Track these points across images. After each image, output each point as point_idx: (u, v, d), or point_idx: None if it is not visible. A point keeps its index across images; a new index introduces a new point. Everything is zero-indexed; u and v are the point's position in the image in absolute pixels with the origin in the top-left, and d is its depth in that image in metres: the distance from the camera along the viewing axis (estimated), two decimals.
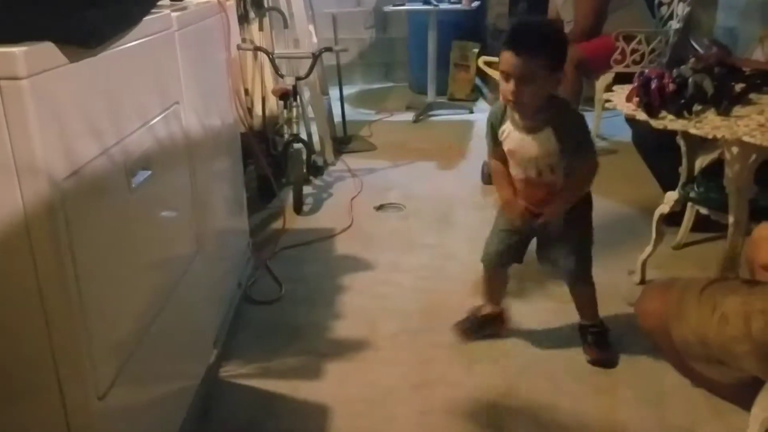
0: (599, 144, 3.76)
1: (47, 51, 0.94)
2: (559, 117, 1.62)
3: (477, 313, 1.93)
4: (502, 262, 1.88)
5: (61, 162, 0.96)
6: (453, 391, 1.72)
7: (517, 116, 1.64)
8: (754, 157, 1.69)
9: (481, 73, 3.46)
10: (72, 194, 0.98)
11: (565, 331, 1.97)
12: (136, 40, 1.22)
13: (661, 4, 3.75)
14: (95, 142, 1.07)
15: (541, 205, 1.70)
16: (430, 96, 4.47)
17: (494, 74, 3.21)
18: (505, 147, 1.69)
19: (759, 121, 1.61)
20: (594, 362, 1.79)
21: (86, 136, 1.04)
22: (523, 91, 1.55)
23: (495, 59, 3.21)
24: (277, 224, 2.71)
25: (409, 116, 4.34)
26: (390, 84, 5.47)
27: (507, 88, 1.57)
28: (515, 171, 1.71)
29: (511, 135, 1.67)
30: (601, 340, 1.84)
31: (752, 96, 1.79)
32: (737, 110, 1.69)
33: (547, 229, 1.74)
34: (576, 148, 1.64)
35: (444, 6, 4.24)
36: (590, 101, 3.86)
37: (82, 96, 1.03)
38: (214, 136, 1.84)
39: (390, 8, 4.43)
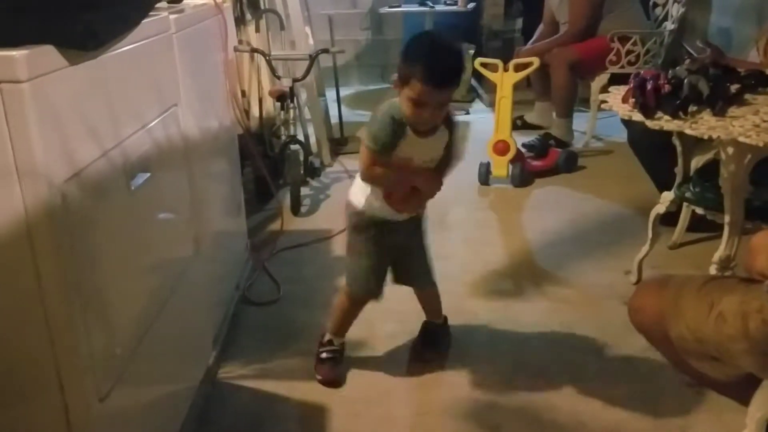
0: (594, 144, 3.78)
1: (47, 54, 0.95)
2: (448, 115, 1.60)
3: (334, 346, 1.81)
4: (376, 295, 1.75)
5: (62, 165, 0.97)
6: (450, 391, 1.73)
7: (418, 127, 1.54)
8: (749, 157, 1.70)
9: (476, 74, 3.47)
10: (72, 197, 0.98)
11: (561, 330, 1.98)
12: (134, 43, 1.22)
13: (655, 5, 3.77)
14: (95, 145, 1.07)
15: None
16: None
17: (489, 76, 3.23)
18: (401, 154, 1.55)
19: (754, 122, 1.62)
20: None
21: (86, 139, 1.05)
22: (440, 113, 1.52)
23: (490, 60, 3.23)
24: (275, 225, 2.71)
25: None
26: (386, 85, 5.46)
27: (423, 113, 1.48)
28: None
29: (412, 141, 1.54)
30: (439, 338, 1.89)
31: (747, 96, 1.80)
32: (732, 111, 1.70)
33: (408, 242, 1.72)
34: (455, 138, 1.63)
35: (439, 8, 4.26)
36: (585, 102, 3.88)
37: (81, 99, 1.04)
38: (211, 137, 1.84)
39: (386, 10, 4.45)
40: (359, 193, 1.66)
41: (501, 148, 3.15)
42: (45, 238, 0.95)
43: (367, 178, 1.60)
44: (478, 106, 4.72)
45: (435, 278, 1.82)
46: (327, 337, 1.82)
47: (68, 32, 0.99)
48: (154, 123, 1.32)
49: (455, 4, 4.26)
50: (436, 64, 1.44)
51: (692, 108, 1.69)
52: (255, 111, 3.07)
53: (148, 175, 1.25)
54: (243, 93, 2.91)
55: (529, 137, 3.57)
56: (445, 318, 1.92)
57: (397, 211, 1.64)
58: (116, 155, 1.13)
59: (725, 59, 2.07)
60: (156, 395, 1.37)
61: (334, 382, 1.76)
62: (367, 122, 1.58)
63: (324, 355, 1.79)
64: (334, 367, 1.78)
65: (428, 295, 1.87)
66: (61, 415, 1.03)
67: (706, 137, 1.60)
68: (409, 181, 1.59)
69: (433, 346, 1.89)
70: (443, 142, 1.60)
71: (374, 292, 1.73)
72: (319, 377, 1.76)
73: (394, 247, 1.71)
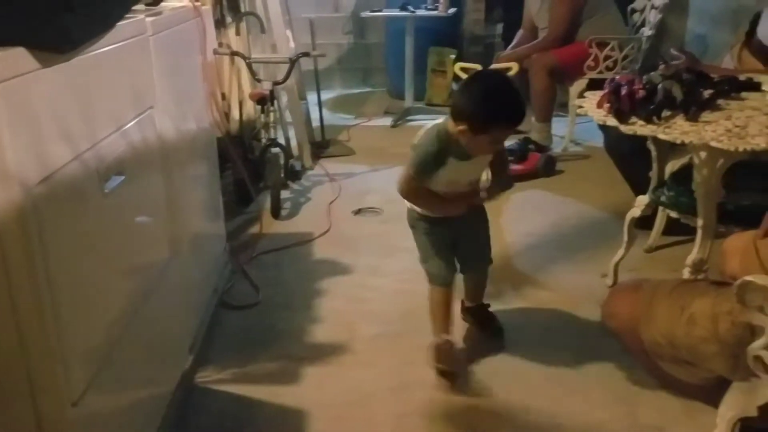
0: (573, 149, 3.82)
1: (19, 56, 0.94)
2: None
3: (450, 347, 1.80)
4: (450, 281, 1.82)
5: (34, 168, 0.96)
6: (431, 393, 1.73)
7: (462, 150, 1.64)
8: (721, 161, 1.73)
9: (457, 78, 3.48)
10: (44, 200, 0.98)
11: (538, 332, 1.99)
12: (109, 45, 1.22)
13: (633, 12, 3.82)
14: (68, 148, 1.07)
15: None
16: (408, 101, 4.49)
17: None
18: (446, 178, 1.68)
19: (726, 127, 1.65)
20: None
21: (59, 141, 1.04)
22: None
23: (471, 65, 3.24)
24: (255, 229, 2.71)
25: (388, 121, 4.36)
26: (368, 89, 5.49)
27: (491, 148, 1.65)
28: (444, 190, 1.72)
29: (454, 166, 1.66)
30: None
31: (720, 102, 1.83)
32: (705, 116, 1.73)
33: (469, 230, 1.83)
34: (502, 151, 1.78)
35: (421, 12, 4.27)
36: (564, 107, 3.92)
37: (54, 101, 1.03)
38: (189, 140, 1.84)
39: (367, 14, 4.45)
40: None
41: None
42: (16, 243, 0.94)
43: (406, 198, 1.74)
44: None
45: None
46: (434, 339, 1.79)
47: (42, 34, 0.99)
48: (129, 125, 1.32)
49: (436, 9, 4.28)
50: (514, 108, 1.58)
51: (666, 113, 1.71)
52: (235, 114, 3.06)
53: (123, 177, 1.24)
54: (223, 96, 2.90)
55: (509, 141, 3.59)
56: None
57: (455, 209, 1.74)
58: (90, 158, 1.13)
59: (699, 65, 2.11)
60: (131, 400, 1.36)
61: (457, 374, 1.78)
62: (413, 152, 1.66)
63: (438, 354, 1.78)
64: (446, 373, 1.78)
65: (483, 275, 1.95)
66: (32, 420, 1.02)
67: (679, 142, 1.62)
68: (449, 207, 1.73)
69: (494, 328, 1.97)
70: (487, 160, 1.73)
71: (446, 279, 1.80)
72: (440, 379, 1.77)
73: (454, 232, 1.80)
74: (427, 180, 1.67)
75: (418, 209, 1.77)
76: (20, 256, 0.95)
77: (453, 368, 1.77)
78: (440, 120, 1.67)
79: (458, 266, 1.86)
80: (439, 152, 1.62)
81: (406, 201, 1.78)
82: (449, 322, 1.81)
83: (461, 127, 1.57)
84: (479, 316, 1.99)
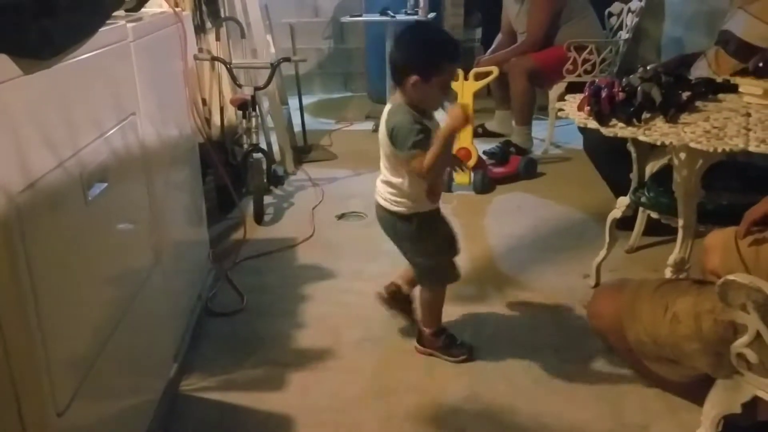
0: (553, 151, 3.85)
1: (0, 63, 0.93)
2: None
3: (445, 331, 1.92)
4: (459, 272, 1.90)
5: (16, 175, 0.95)
6: (416, 396, 1.73)
7: (426, 112, 1.70)
8: (700, 162, 1.75)
9: None
10: (27, 208, 0.97)
11: (523, 333, 2.01)
12: (91, 52, 1.21)
13: (610, 15, 3.87)
14: (50, 155, 1.06)
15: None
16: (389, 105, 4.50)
17: (451, 84, 3.26)
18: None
19: (705, 128, 1.68)
20: None
21: (41, 149, 1.03)
22: None
23: None
24: (238, 235, 2.69)
25: (369, 125, 4.36)
26: (349, 93, 5.49)
27: (446, 93, 1.69)
28: None
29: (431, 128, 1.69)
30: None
31: (698, 104, 1.86)
32: (684, 117, 1.75)
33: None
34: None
35: (400, 17, 4.28)
36: (544, 110, 3.96)
37: (36, 108, 1.02)
38: (171, 146, 1.82)
39: (347, 19, 4.46)
40: (400, 201, 1.74)
41: (463, 155, 3.18)
42: None
43: (432, 176, 1.66)
44: (440, 114, 4.75)
45: None
46: (433, 330, 1.88)
47: (22, 41, 0.98)
48: (111, 132, 1.30)
49: (416, 13, 4.29)
50: (453, 41, 1.67)
51: (645, 115, 1.74)
52: (216, 120, 3.05)
53: (106, 185, 1.23)
54: (204, 101, 2.89)
55: (490, 145, 3.62)
56: None
57: (435, 200, 1.77)
58: (72, 165, 1.12)
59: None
60: (116, 409, 1.35)
61: (472, 351, 1.88)
62: (398, 138, 1.64)
63: (447, 340, 1.88)
64: (462, 345, 1.88)
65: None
66: (17, 430, 1.00)
67: (659, 143, 1.64)
68: (451, 143, 1.68)
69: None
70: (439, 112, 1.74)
71: (458, 273, 1.86)
72: (462, 358, 1.86)
73: (447, 226, 1.85)
74: (428, 146, 1.64)
75: (421, 208, 1.74)
76: (3, 264, 0.93)
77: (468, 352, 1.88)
78: (389, 105, 1.70)
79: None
80: (417, 120, 1.64)
81: (399, 208, 1.74)
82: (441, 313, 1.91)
83: (412, 80, 1.60)
84: (409, 303, 2.01)
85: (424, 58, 1.60)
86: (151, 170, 1.56)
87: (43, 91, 1.04)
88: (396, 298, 1.98)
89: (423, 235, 1.78)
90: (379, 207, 1.80)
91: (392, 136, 1.65)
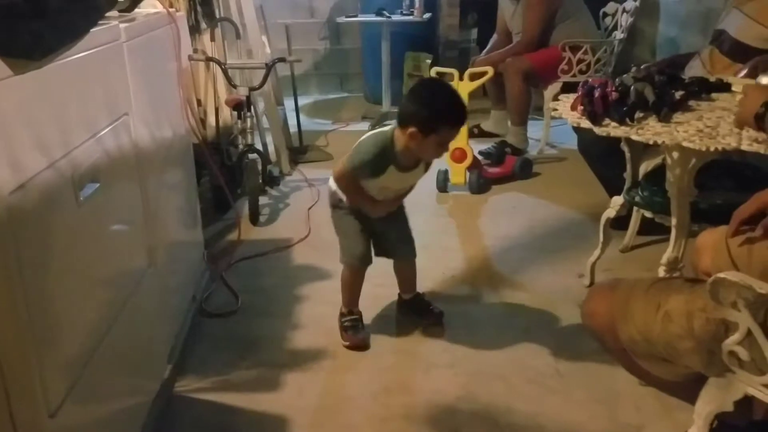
0: (548, 152, 3.86)
1: None
2: None
3: (354, 315, 2.00)
4: (368, 261, 1.97)
5: (7, 176, 0.95)
6: (411, 397, 1.73)
7: (404, 161, 1.77)
8: (693, 161, 1.76)
9: None
10: (18, 209, 0.96)
11: (518, 333, 2.01)
12: (83, 52, 1.21)
13: (605, 15, 3.88)
14: (42, 155, 1.05)
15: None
16: (385, 106, 4.51)
17: None
18: (380, 184, 1.80)
19: (697, 127, 1.68)
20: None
21: (32, 149, 1.03)
22: None
23: (446, 70, 3.27)
24: (233, 235, 2.69)
25: (365, 126, 4.36)
26: (345, 94, 5.49)
27: (442, 151, 1.76)
28: (379, 195, 1.85)
29: (392, 175, 1.77)
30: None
31: (691, 103, 1.86)
32: (677, 117, 1.75)
33: (389, 222, 1.93)
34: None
35: (396, 17, 4.29)
36: (539, 110, 3.96)
37: (27, 108, 1.02)
38: (165, 147, 1.82)
39: (343, 19, 4.46)
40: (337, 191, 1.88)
41: (458, 155, 3.18)
42: None
43: (339, 188, 1.85)
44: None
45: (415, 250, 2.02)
46: (343, 309, 2.00)
47: (14, 41, 0.97)
48: (103, 132, 1.30)
49: (412, 14, 4.30)
50: (460, 108, 1.71)
51: (639, 114, 1.74)
52: (212, 120, 3.04)
53: (98, 185, 1.23)
54: (199, 102, 2.88)
55: (486, 145, 3.63)
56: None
57: (377, 212, 1.88)
58: (64, 165, 1.11)
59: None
60: (109, 410, 1.34)
61: (361, 346, 1.93)
62: (355, 146, 1.79)
63: (346, 323, 1.97)
64: (357, 333, 1.95)
65: (410, 266, 2.05)
66: (9, 431, 1.00)
67: (652, 143, 1.64)
68: (372, 205, 1.85)
69: (428, 312, 2.06)
70: (420, 175, 1.85)
71: (364, 259, 1.93)
72: (346, 344, 1.94)
73: (376, 221, 1.90)
74: (367, 179, 1.78)
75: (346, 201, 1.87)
76: None
77: (361, 343, 1.94)
78: (387, 128, 1.77)
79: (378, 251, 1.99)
80: (381, 160, 1.73)
81: (334, 187, 1.87)
82: (358, 298, 2.01)
83: (411, 130, 1.66)
84: (417, 306, 2.08)
85: (427, 116, 1.66)
86: (144, 171, 1.55)
87: (34, 91, 1.04)
88: (407, 307, 2.10)
89: (338, 213, 1.93)
90: (329, 185, 1.92)
91: (356, 146, 1.79)
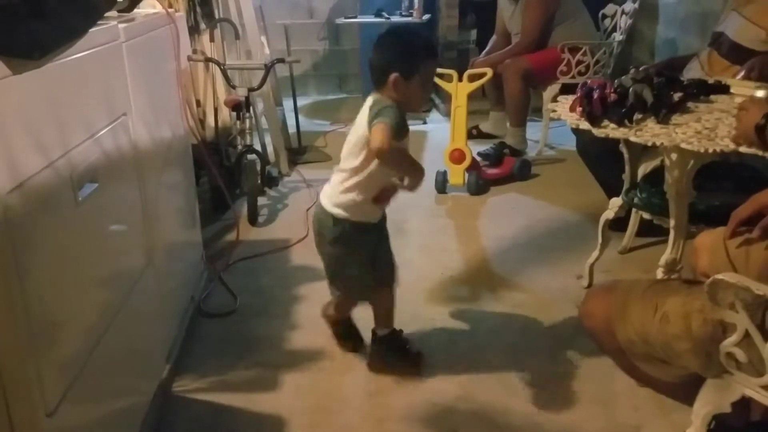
0: (547, 153, 3.86)
1: None
2: None
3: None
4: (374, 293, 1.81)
5: (5, 176, 0.94)
6: (409, 397, 1.73)
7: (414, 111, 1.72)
8: (692, 163, 1.76)
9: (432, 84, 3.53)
10: (16, 209, 0.96)
11: (516, 334, 2.01)
12: (82, 52, 1.21)
13: (604, 17, 3.88)
14: (40, 155, 1.05)
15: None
16: None
17: (445, 86, 3.27)
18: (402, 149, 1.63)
19: (696, 129, 1.68)
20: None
21: (31, 149, 1.03)
22: None
23: (446, 71, 3.27)
24: (232, 236, 2.69)
25: None
26: (344, 95, 5.49)
27: (428, 93, 1.72)
28: (384, 176, 1.65)
29: (404, 141, 1.64)
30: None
31: (690, 104, 1.86)
32: (676, 118, 1.76)
33: (380, 240, 1.78)
34: None
35: (395, 19, 4.30)
36: (538, 112, 3.96)
37: (26, 108, 1.02)
38: (164, 147, 1.82)
39: (342, 20, 4.47)
40: (341, 203, 1.67)
41: (457, 156, 3.19)
42: None
43: (387, 154, 1.54)
44: (434, 115, 4.77)
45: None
46: (332, 316, 1.92)
47: (12, 41, 0.97)
48: (102, 132, 1.30)
49: (411, 15, 4.31)
50: (429, 41, 1.71)
51: (637, 116, 1.74)
52: (210, 120, 3.05)
53: (96, 185, 1.23)
54: (198, 102, 2.89)
55: (485, 146, 3.63)
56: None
57: (381, 208, 1.72)
58: (63, 165, 1.11)
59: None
60: (107, 410, 1.34)
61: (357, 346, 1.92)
62: (379, 112, 1.56)
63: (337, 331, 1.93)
64: (347, 344, 1.92)
65: (391, 295, 1.82)
66: (6, 430, 1.00)
67: (650, 144, 1.65)
68: (412, 167, 1.62)
69: (404, 353, 1.87)
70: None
71: (372, 295, 1.82)
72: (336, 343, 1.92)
73: (373, 246, 1.76)
74: (399, 137, 1.58)
75: (351, 216, 1.66)
76: None
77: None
78: (372, 98, 1.63)
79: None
80: (403, 117, 1.59)
81: (336, 211, 1.66)
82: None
83: (393, 77, 1.57)
84: (395, 344, 1.85)
85: (403, 57, 1.60)
86: (143, 171, 1.55)
87: (32, 91, 1.04)
88: (382, 345, 1.87)
89: (347, 247, 1.71)
90: (319, 204, 1.74)
91: (374, 114, 1.56)
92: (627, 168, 2.13)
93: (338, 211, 1.67)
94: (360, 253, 1.73)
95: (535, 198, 3.18)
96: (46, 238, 1.07)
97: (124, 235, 1.46)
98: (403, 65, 1.58)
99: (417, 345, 1.91)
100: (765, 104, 1.55)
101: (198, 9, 2.98)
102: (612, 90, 1.78)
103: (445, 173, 3.23)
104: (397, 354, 1.84)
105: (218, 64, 2.84)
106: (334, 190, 1.69)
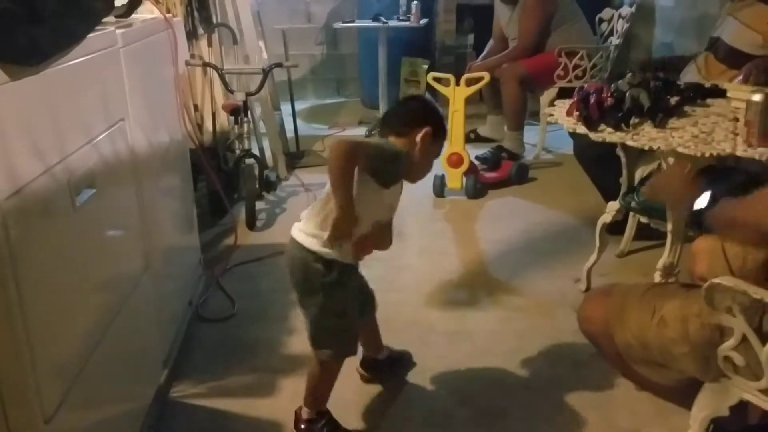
0: (545, 157, 3.87)
1: None
2: None
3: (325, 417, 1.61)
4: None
5: (3, 181, 0.95)
6: (406, 402, 1.73)
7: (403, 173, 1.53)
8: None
9: (430, 88, 3.52)
10: (14, 214, 0.96)
11: (514, 338, 2.01)
12: (79, 58, 1.21)
13: (601, 21, 3.89)
14: (38, 161, 1.05)
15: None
16: (382, 111, 4.50)
17: (442, 90, 3.27)
18: (386, 201, 1.55)
19: (693, 133, 1.69)
20: None
21: (28, 155, 1.03)
22: None
23: (443, 75, 3.28)
24: (230, 240, 2.69)
25: (362, 131, 4.37)
26: (342, 99, 5.50)
27: (432, 161, 1.56)
28: (374, 216, 1.54)
29: (396, 190, 1.55)
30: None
31: (686, 108, 1.87)
32: (672, 122, 1.77)
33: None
34: None
35: (393, 23, 4.30)
36: (535, 115, 3.97)
37: (24, 114, 1.02)
38: (161, 152, 1.82)
39: (340, 25, 4.47)
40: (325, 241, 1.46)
41: (455, 160, 3.19)
42: None
43: (336, 169, 1.42)
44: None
45: None
46: (311, 414, 1.58)
47: (10, 47, 0.98)
48: (100, 138, 1.30)
49: (408, 19, 4.31)
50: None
51: (634, 120, 1.75)
52: (208, 125, 3.05)
53: (94, 191, 1.23)
54: (196, 107, 2.89)
55: (482, 150, 3.63)
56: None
57: (358, 258, 1.57)
58: (60, 171, 1.11)
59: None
60: (104, 416, 1.34)
61: None
62: (377, 146, 1.49)
63: (326, 429, 1.58)
64: None
65: (375, 321, 1.78)
66: None
67: (647, 148, 1.65)
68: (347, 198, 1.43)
69: (404, 359, 1.86)
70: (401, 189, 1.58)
71: (356, 349, 1.63)
72: None
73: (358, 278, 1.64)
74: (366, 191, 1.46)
75: (336, 255, 1.48)
76: None
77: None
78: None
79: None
80: (401, 163, 1.47)
81: (322, 249, 1.49)
82: (329, 394, 1.62)
83: (426, 129, 1.48)
84: (391, 361, 1.83)
85: (438, 121, 1.54)
86: (140, 176, 1.55)
87: (30, 96, 1.04)
88: (385, 367, 1.83)
89: (328, 294, 1.50)
90: (293, 241, 1.56)
91: (375, 144, 1.51)
92: (624, 172, 2.14)
93: (320, 249, 1.48)
94: (353, 296, 1.58)
95: (532, 202, 3.18)
96: (44, 243, 1.07)
97: (122, 240, 1.46)
98: (436, 126, 1.51)
99: (415, 349, 1.91)
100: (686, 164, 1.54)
101: (196, 14, 2.98)
102: (609, 94, 1.79)
103: (442, 177, 3.23)
104: (400, 366, 1.85)
105: (216, 68, 2.84)
106: (311, 228, 1.53)
